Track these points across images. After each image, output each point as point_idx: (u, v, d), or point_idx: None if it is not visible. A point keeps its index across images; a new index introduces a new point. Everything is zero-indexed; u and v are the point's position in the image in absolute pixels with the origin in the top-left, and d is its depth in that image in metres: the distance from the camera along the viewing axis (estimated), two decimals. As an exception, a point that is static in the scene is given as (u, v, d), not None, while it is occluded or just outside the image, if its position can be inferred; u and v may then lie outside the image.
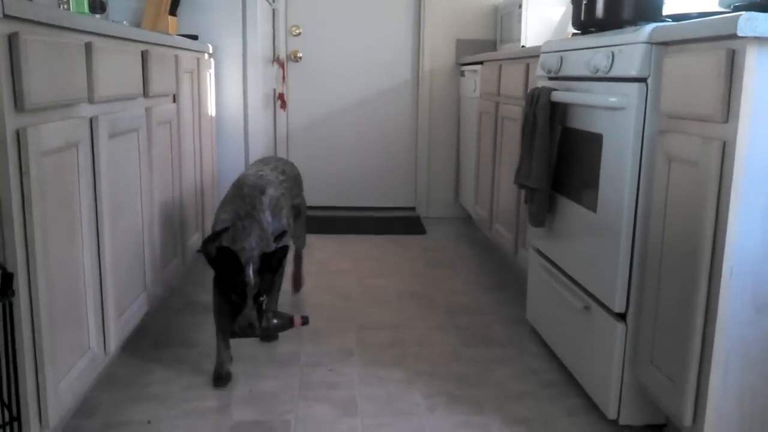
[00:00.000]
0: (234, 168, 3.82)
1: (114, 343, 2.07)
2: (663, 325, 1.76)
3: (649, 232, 1.84)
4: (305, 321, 2.30)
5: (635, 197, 1.88)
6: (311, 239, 4.15)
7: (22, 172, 1.48)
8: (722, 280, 1.54)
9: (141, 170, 2.36)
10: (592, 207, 2.10)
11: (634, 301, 1.92)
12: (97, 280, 1.94)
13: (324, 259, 3.74)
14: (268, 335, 2.54)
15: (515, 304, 3.03)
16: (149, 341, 2.56)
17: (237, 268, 2.07)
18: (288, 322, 2.28)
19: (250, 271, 2.07)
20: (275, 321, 2.26)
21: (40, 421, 1.58)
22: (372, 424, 2.00)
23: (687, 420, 1.64)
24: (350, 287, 3.25)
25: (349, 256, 3.80)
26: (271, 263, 2.14)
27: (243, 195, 2.31)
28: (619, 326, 1.94)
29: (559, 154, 2.35)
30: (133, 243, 2.30)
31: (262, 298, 2.12)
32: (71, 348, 1.77)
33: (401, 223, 4.67)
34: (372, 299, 3.08)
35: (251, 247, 2.15)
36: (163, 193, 2.66)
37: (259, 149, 3.94)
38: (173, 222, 2.82)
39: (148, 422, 1.98)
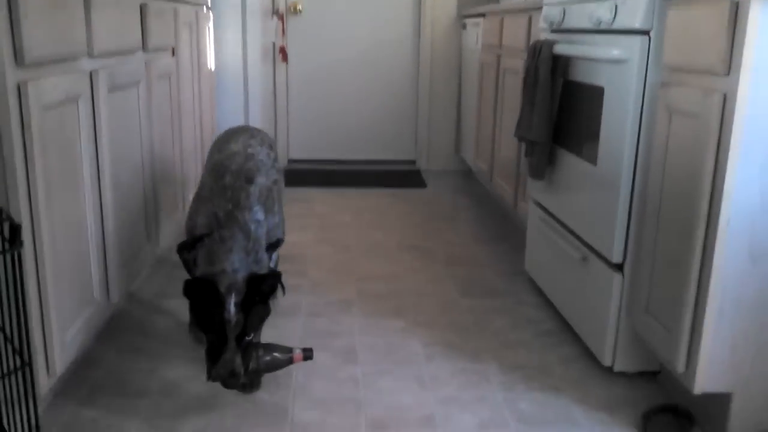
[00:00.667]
0: (234, 121, 3.81)
1: (118, 293, 2.10)
2: (659, 275, 1.79)
3: (648, 184, 1.85)
4: (308, 355, 1.85)
5: (635, 150, 1.89)
6: (312, 193, 4.17)
7: (23, 126, 1.49)
8: (719, 230, 1.56)
9: (141, 124, 2.36)
10: (592, 160, 2.11)
11: (632, 251, 1.94)
12: (99, 233, 1.96)
13: (324, 212, 3.77)
14: (256, 382, 1.90)
15: (514, 256, 3.07)
16: (153, 293, 2.59)
17: (214, 300, 1.61)
18: (285, 360, 1.83)
19: (232, 305, 1.60)
20: (267, 358, 1.81)
21: (48, 369, 1.62)
22: (372, 372, 2.04)
23: (680, 366, 1.68)
24: (350, 240, 3.28)
25: (349, 209, 3.82)
26: (261, 290, 1.66)
27: (224, 187, 1.81)
28: (616, 276, 1.97)
29: (560, 107, 2.35)
30: (135, 196, 2.32)
31: (248, 338, 1.66)
32: (76, 298, 1.80)
33: (401, 176, 4.68)
34: (372, 251, 3.12)
35: (233, 268, 1.66)
36: (163, 147, 2.66)
37: (258, 103, 3.92)
38: (174, 176, 2.83)
39: (152, 371, 2.03)
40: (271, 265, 1.96)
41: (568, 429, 1.78)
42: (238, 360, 1.60)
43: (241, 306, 1.61)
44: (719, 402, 1.71)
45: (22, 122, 1.49)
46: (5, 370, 0.85)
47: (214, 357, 1.61)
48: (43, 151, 1.56)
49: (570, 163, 2.29)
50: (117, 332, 2.27)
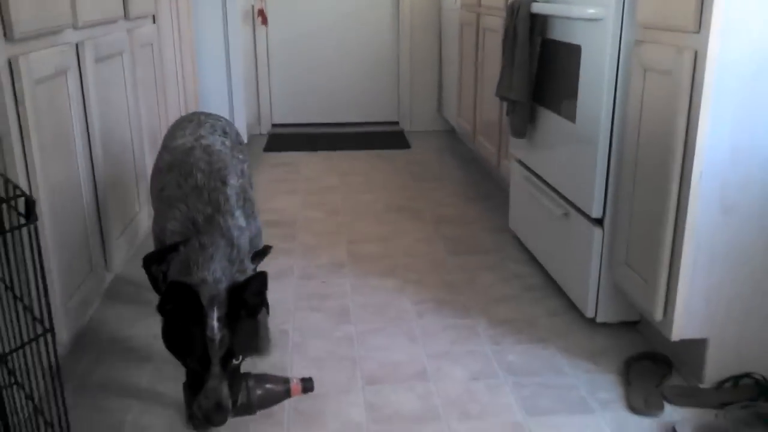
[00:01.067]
0: (216, 88, 3.82)
1: (116, 261, 2.15)
2: (637, 228, 1.87)
3: (625, 141, 1.91)
4: (307, 386, 1.68)
5: (612, 107, 1.95)
6: (298, 157, 4.20)
7: (17, 102, 1.52)
8: (692, 183, 1.63)
9: (127, 94, 2.38)
10: (571, 117, 2.17)
11: (611, 206, 2.01)
12: (94, 202, 2.00)
13: (311, 176, 3.81)
14: (248, 412, 1.62)
15: (499, 214, 3.14)
16: (147, 261, 2.65)
17: (194, 316, 1.35)
18: (281, 393, 1.64)
19: (215, 320, 1.35)
20: (260, 391, 1.60)
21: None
22: (365, 330, 2.12)
23: (658, 315, 1.77)
24: (338, 203, 3.34)
25: (335, 173, 3.87)
26: (247, 301, 1.41)
27: (197, 188, 1.57)
28: (597, 231, 2.04)
29: (539, 66, 2.40)
30: (126, 166, 2.35)
31: (236, 361, 1.41)
32: (77, 266, 1.85)
33: (385, 137, 4.72)
34: (360, 213, 3.18)
35: (216, 278, 1.41)
36: (150, 116, 2.69)
37: (240, 67, 3.93)
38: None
39: (155, 336, 2.09)
40: None
41: (554, 378, 1.87)
42: (225, 390, 1.34)
43: (226, 320, 1.36)
44: (695, 348, 1.81)
45: (15, 97, 1.52)
46: (26, 339, 0.90)
47: (195, 386, 1.35)
48: (37, 124, 1.59)
49: (550, 121, 2.35)
50: (117, 300, 2.32)
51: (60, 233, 1.71)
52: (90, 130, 1.98)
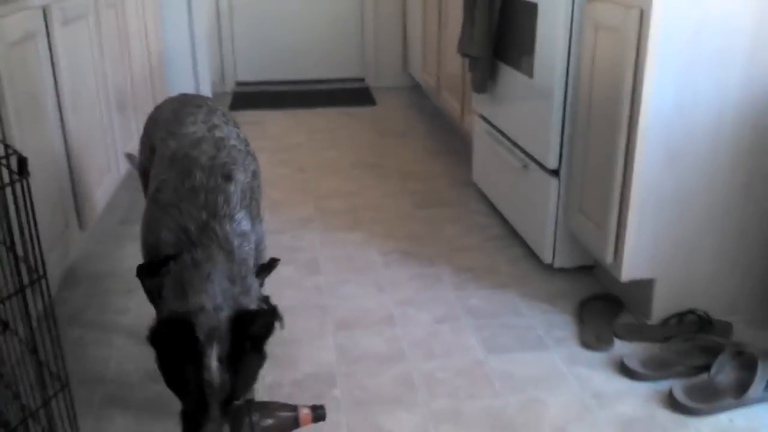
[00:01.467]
0: (179, 47, 3.81)
1: (89, 220, 2.21)
2: (590, 178, 1.98)
3: (579, 95, 2.01)
4: (318, 415, 1.49)
5: (566, 62, 2.04)
6: (263, 115, 4.23)
7: (-10, 65, 1.56)
8: (638, 134, 1.74)
9: (93, 56, 2.40)
10: (529, 73, 2.25)
11: (566, 158, 2.12)
12: (65, 162, 2.05)
13: (277, 133, 3.86)
14: None
15: (463, 168, 3.23)
16: (117, 219, 2.70)
17: (189, 352, 1.16)
18: (289, 424, 1.46)
19: (214, 360, 1.15)
20: (266, 424, 1.43)
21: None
22: (335, 281, 2.22)
23: (609, 258, 1.90)
24: (305, 160, 3.40)
25: (301, 130, 3.92)
26: (251, 334, 1.21)
27: (193, 189, 1.36)
28: (553, 181, 2.15)
29: (499, 23, 2.47)
30: (95, 127, 2.39)
31: (237, 402, 1.24)
32: (54, 223, 1.91)
33: (351, 94, 4.76)
34: (327, 170, 3.25)
35: (216, 305, 1.20)
36: (115, 77, 2.71)
37: (203, 24, 3.92)
38: (126, 105, 2.88)
39: (128, 291, 2.16)
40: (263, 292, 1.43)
41: (513, 319, 1.99)
42: None
43: (228, 359, 1.17)
44: (643, 287, 1.94)
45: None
46: (13, 289, 0.97)
47: (192, 426, 1.19)
48: (11, 88, 1.63)
49: (510, 76, 2.43)
50: (92, 258, 2.38)
51: (36, 193, 1.76)
52: (59, 93, 2.01)
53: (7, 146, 0.95)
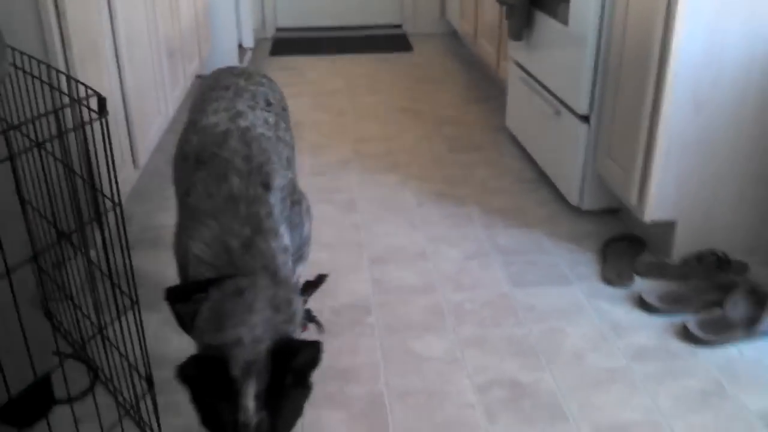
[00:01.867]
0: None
1: (141, 159, 2.36)
2: (619, 123, 2.05)
3: (612, 43, 2.07)
4: None
5: (601, 10, 2.09)
6: (302, 61, 4.32)
7: (59, 15, 1.68)
8: (667, 80, 1.81)
9: (146, 7, 2.52)
10: (565, 20, 2.31)
11: (597, 104, 2.19)
12: (122, 106, 2.19)
13: (316, 79, 3.95)
14: None
15: (497, 114, 3.31)
16: (164, 160, 2.85)
17: (224, 389, 1.05)
18: None
19: (251, 399, 1.04)
20: None
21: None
22: (371, 219, 2.35)
23: (633, 200, 1.98)
24: (344, 104, 3.50)
25: (340, 76, 4.00)
26: (294, 368, 1.08)
27: (232, 198, 1.23)
28: (583, 127, 2.23)
29: (535, -30, 2.51)
30: (148, 73, 2.52)
31: None
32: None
33: (389, 40, 4.81)
34: (365, 114, 3.35)
35: (254, 337, 1.08)
36: (165, 26, 2.82)
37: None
38: (175, 52, 3.00)
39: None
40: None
41: (540, 256, 2.10)
42: None
43: (266, 396, 1.05)
44: (666, 229, 2.03)
45: (57, 10, 1.68)
46: (94, 215, 1.11)
47: None
48: (76, 35, 1.76)
49: (545, 24, 2.49)
50: (143, 194, 2.54)
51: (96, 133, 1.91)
52: (117, 41, 2.13)
53: (87, 87, 1.07)
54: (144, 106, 2.45)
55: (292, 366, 1.05)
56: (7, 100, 1.38)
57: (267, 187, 1.27)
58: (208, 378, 1.03)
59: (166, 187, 2.60)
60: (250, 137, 1.35)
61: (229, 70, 1.67)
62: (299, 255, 1.36)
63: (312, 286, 1.28)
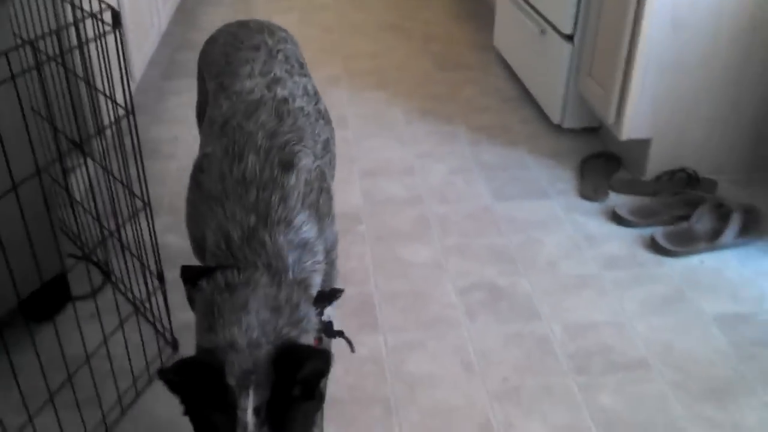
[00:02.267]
0: None
1: (137, 72, 2.41)
2: (600, 43, 2.13)
3: (597, -37, 2.12)
4: None
5: (588, -70, 2.13)
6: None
7: None
8: (647, 2, 1.87)
9: None
10: (553, -61, 2.34)
11: (581, 24, 2.25)
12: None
13: (306, -6, 3.94)
14: None
15: (485, 33, 3.34)
16: (159, 74, 2.89)
17: (218, 400, 0.89)
18: None
19: (249, 413, 0.88)
20: None
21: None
22: (360, 135, 2.43)
23: (611, 118, 2.08)
24: (333, 21, 3.52)
25: (329, -9, 3.99)
26: (300, 378, 0.90)
27: (243, 181, 1.07)
28: (567, 46, 2.30)
29: None
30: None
31: None
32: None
33: (378, -45, 4.75)
34: (354, 31, 3.37)
35: (251, 341, 0.93)
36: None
37: None
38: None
39: (176, 138, 2.39)
40: (325, 318, 1.09)
41: (521, 172, 2.21)
42: None
43: (268, 410, 0.89)
44: (641, 147, 2.13)
45: None
46: (112, 119, 1.19)
47: None
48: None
49: (534, -58, 2.51)
50: (138, 108, 2.59)
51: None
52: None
53: (100, 1, 1.13)
54: (139, 18, 2.47)
55: (298, 377, 0.89)
56: (15, 16, 1.44)
57: (287, 167, 1.07)
58: (198, 386, 0.87)
59: (160, 100, 2.66)
60: (285, 110, 1.17)
61: (244, 25, 1.46)
62: (329, 260, 1.12)
63: (324, 299, 1.06)
